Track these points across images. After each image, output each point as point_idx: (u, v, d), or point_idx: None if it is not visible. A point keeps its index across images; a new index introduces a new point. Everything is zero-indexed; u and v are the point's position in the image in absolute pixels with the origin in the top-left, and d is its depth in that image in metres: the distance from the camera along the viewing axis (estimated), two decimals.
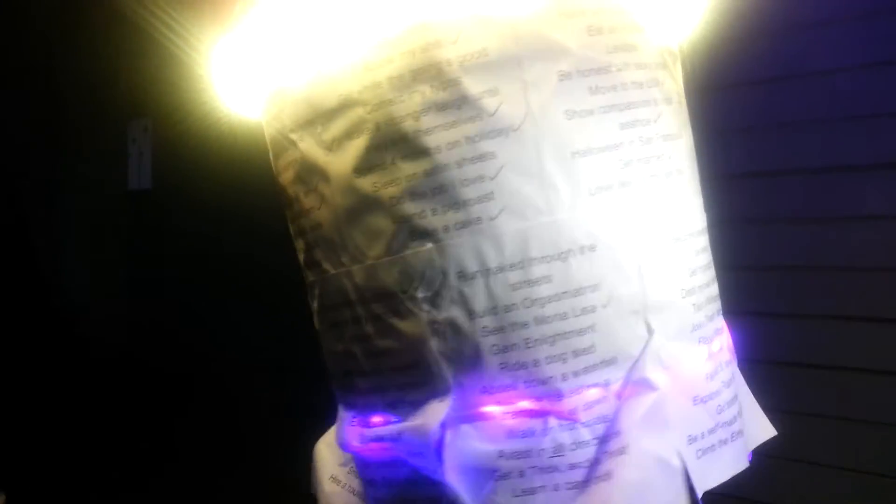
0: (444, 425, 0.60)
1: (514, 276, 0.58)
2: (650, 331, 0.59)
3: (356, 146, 0.63)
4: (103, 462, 1.80)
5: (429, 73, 0.59)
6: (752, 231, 1.38)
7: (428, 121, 0.59)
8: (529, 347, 0.58)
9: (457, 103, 0.58)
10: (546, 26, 0.58)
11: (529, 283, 0.58)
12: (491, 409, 0.60)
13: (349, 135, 0.63)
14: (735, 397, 0.66)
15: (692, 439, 0.60)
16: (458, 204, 0.58)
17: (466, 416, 0.60)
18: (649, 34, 0.63)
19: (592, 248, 0.58)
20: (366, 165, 0.62)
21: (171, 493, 1.72)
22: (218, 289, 1.84)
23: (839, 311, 1.34)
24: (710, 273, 0.66)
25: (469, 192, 0.58)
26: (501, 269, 0.58)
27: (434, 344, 0.60)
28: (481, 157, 0.58)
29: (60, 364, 1.86)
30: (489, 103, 0.58)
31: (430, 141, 0.59)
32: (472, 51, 0.58)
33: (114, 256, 2.03)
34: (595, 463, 0.58)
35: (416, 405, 0.62)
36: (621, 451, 0.58)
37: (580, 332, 0.58)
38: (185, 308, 1.90)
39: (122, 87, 1.99)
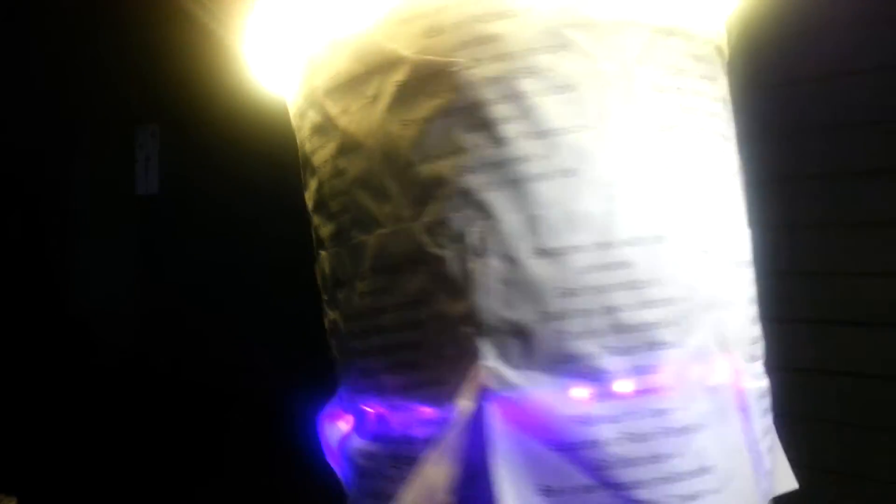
0: (335, 416, 0.65)
1: (362, 286, 0.59)
2: (482, 355, 0.54)
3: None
4: (113, 467, 1.82)
5: (310, 99, 0.64)
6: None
7: (313, 143, 0.64)
8: (371, 356, 0.59)
9: (324, 125, 0.62)
10: (384, 38, 0.58)
11: (373, 292, 0.58)
12: (364, 408, 0.62)
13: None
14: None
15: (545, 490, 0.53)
16: (330, 217, 0.63)
17: (349, 410, 0.64)
18: (529, 15, 0.56)
19: (424, 262, 0.56)
20: (303, 180, 0.70)
21: (183, 496, 1.73)
22: (225, 291, 1.85)
23: (845, 317, 1.29)
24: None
25: (334, 206, 0.62)
26: (354, 277, 0.60)
27: (333, 342, 0.66)
28: (339, 174, 0.61)
29: (70, 368, 1.89)
30: (342, 122, 0.60)
31: (315, 160, 0.64)
32: (329, 74, 0.61)
33: (122, 260, 2.05)
34: (404, 484, 0.56)
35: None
36: (413, 475, 0.56)
37: (407, 346, 0.57)
38: (192, 310, 1.92)
39: (130, 93, 2.00)
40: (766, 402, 0.62)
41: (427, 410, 0.56)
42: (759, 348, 0.62)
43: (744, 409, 0.57)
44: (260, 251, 1.79)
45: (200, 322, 1.91)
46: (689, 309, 0.56)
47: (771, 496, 0.60)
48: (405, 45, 0.57)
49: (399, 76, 0.57)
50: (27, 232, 1.96)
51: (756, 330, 0.62)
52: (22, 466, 1.63)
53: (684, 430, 0.53)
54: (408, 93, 0.57)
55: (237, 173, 1.79)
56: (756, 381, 0.60)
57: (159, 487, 1.76)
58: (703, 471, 0.53)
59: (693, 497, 0.53)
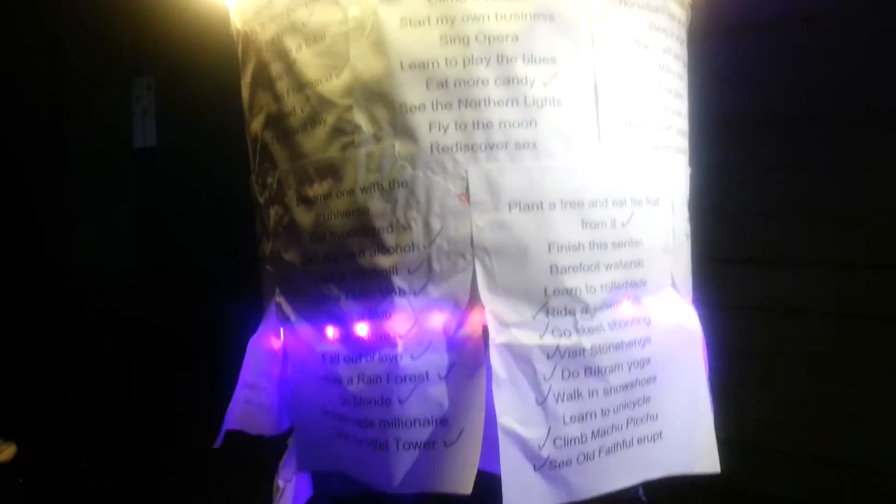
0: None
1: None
2: (276, 292, 0.66)
3: None
4: (112, 417, 1.82)
5: None
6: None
7: None
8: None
9: None
10: (233, 13, 0.74)
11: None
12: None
13: None
14: None
15: None
16: None
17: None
18: None
19: (257, 207, 0.71)
20: None
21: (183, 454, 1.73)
22: (225, 247, 1.84)
23: (819, 307, 1.26)
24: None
25: None
26: None
27: None
28: None
29: (65, 320, 1.88)
30: None
31: None
32: None
33: (120, 214, 2.03)
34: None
35: None
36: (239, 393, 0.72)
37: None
38: (191, 266, 1.91)
39: (125, 45, 1.98)
40: (584, 361, 0.54)
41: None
42: (572, 301, 0.53)
43: (492, 366, 0.52)
44: None
45: (200, 277, 1.90)
46: (433, 256, 0.52)
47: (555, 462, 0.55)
48: (240, 19, 0.64)
49: (238, 46, 0.65)
50: (23, 187, 1.94)
51: (567, 281, 0.53)
52: (21, 413, 1.62)
53: (412, 378, 0.52)
54: (243, 60, 0.64)
55: (237, 124, 1.77)
56: (556, 337, 0.52)
57: (158, 436, 1.76)
58: (435, 421, 0.51)
59: (426, 445, 0.51)
